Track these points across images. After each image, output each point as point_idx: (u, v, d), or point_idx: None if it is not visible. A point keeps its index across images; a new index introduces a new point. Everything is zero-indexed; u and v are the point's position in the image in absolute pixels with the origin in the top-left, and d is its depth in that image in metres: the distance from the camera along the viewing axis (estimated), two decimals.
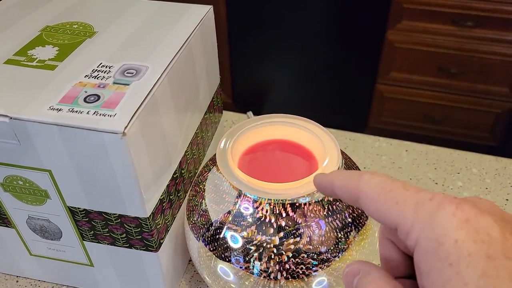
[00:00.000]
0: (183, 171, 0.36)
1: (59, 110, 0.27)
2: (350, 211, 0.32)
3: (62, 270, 0.38)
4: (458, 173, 0.50)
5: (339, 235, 0.31)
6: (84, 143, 0.27)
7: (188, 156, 0.37)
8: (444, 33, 1.31)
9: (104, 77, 0.29)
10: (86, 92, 0.28)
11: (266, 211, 0.30)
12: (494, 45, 1.28)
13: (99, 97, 0.28)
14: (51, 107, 0.27)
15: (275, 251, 0.30)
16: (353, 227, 0.32)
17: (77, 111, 0.27)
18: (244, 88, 1.59)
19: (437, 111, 1.47)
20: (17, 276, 0.40)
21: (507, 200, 0.47)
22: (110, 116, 0.26)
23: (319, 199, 0.30)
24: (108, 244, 0.33)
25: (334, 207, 0.31)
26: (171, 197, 0.34)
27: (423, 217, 0.16)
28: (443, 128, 1.47)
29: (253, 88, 1.61)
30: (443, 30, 1.30)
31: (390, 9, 1.31)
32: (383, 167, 0.51)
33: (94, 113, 0.26)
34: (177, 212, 0.36)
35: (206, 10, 0.38)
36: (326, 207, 0.31)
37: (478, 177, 0.49)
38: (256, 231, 0.30)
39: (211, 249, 0.33)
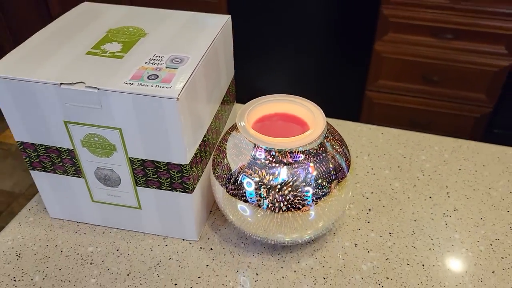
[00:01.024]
0: (209, 137, 0.48)
1: (132, 84, 0.39)
2: (334, 162, 0.44)
3: (116, 214, 0.49)
4: (423, 149, 0.62)
5: (324, 182, 0.43)
6: (149, 107, 0.39)
7: (212, 127, 0.49)
8: (426, 44, 1.44)
9: (158, 63, 0.42)
10: (148, 73, 0.40)
11: (273, 158, 0.42)
12: (471, 56, 1.42)
13: (157, 76, 0.40)
14: (126, 82, 0.39)
15: (278, 189, 0.42)
16: (334, 177, 0.44)
17: (144, 84, 0.39)
18: (241, 88, 1.72)
19: (422, 116, 1.60)
20: (78, 222, 0.52)
21: (459, 169, 0.59)
22: (167, 88, 0.39)
23: (310, 149, 0.43)
24: (155, 188, 0.45)
25: (320, 157, 0.43)
26: (201, 154, 0.46)
27: None
28: (427, 131, 1.60)
29: (250, 89, 1.74)
30: (426, 41, 1.44)
31: (377, 22, 1.45)
32: (362, 145, 0.63)
33: (156, 86, 0.39)
34: (205, 167, 0.48)
35: (226, 19, 0.50)
36: (315, 156, 0.43)
37: (438, 152, 0.62)
38: (265, 173, 0.42)
39: (231, 192, 0.45)
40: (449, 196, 0.55)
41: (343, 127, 0.66)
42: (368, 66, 1.55)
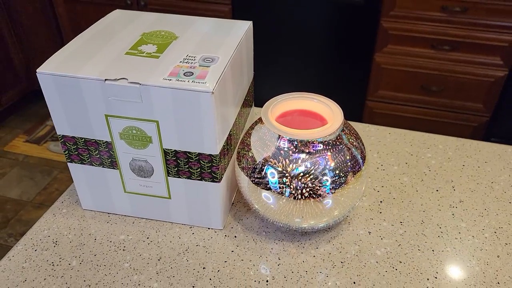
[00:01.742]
0: (234, 132, 0.52)
1: (170, 80, 0.43)
2: (350, 154, 0.48)
3: (146, 204, 0.53)
4: (428, 148, 0.66)
5: (341, 172, 0.47)
6: (186, 100, 0.43)
7: (236, 122, 0.53)
8: (424, 55, 1.50)
9: (192, 62, 0.46)
10: (183, 70, 0.45)
11: (295, 148, 0.46)
12: (468, 66, 1.48)
13: (192, 73, 0.44)
14: (164, 78, 0.43)
15: (300, 177, 0.46)
16: (350, 169, 0.48)
17: (181, 80, 0.43)
18: None
19: (421, 125, 1.65)
20: (108, 213, 0.55)
21: (463, 166, 0.63)
22: (202, 83, 0.43)
23: (329, 140, 0.47)
24: (186, 178, 0.49)
25: (338, 148, 0.47)
26: (228, 147, 0.50)
27: None
28: None
29: (257, 97, 1.79)
30: (424, 53, 1.50)
31: (377, 34, 1.51)
32: (371, 144, 0.67)
33: (192, 81, 0.43)
34: (230, 160, 0.52)
35: (248, 24, 0.55)
36: (332, 146, 0.47)
37: (442, 150, 0.66)
38: (288, 162, 0.46)
39: (256, 181, 0.48)
40: (454, 189, 0.59)
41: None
42: (368, 77, 1.60)
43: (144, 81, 0.43)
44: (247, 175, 0.49)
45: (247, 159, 0.49)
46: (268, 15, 1.59)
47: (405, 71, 1.55)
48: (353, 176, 0.48)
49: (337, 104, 0.50)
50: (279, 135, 0.46)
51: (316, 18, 1.55)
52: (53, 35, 1.94)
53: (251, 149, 0.49)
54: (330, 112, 0.49)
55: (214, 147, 0.46)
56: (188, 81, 0.43)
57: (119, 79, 0.43)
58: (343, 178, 0.47)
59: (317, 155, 0.46)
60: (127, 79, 0.43)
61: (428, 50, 1.49)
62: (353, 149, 0.49)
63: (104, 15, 1.76)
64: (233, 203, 0.57)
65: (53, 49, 1.90)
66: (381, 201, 0.57)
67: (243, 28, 0.54)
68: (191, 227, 0.53)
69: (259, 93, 1.78)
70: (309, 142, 0.46)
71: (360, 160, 0.49)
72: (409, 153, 0.65)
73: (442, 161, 0.64)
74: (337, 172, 0.47)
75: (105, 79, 0.43)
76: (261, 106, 0.53)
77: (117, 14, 0.57)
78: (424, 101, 1.59)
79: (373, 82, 1.60)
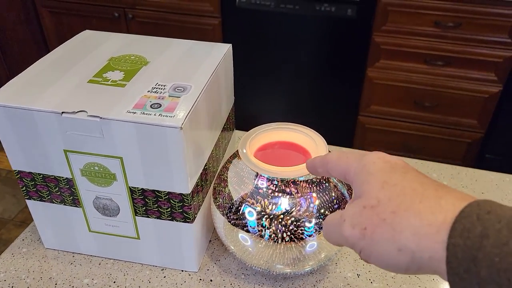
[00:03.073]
0: (210, 165, 0.47)
1: (134, 113, 0.39)
2: (336, 191, 0.44)
3: (113, 244, 0.48)
4: None
5: (326, 211, 0.43)
6: (151, 136, 0.38)
7: (213, 155, 0.48)
8: (417, 71, 1.47)
9: (161, 92, 0.42)
10: (150, 101, 0.40)
11: (275, 187, 0.42)
12: (462, 82, 1.45)
13: (160, 105, 0.40)
14: (128, 111, 0.39)
15: (281, 218, 0.42)
16: (337, 206, 0.44)
17: (147, 113, 0.39)
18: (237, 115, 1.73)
19: (414, 141, 1.61)
20: (73, 253, 0.51)
21: None
22: (170, 117, 0.38)
23: (312, 179, 0.42)
24: (155, 218, 0.44)
25: (323, 186, 0.43)
26: (202, 183, 0.45)
27: (357, 159, 0.29)
28: (420, 156, 1.61)
29: (244, 116, 1.75)
30: (417, 68, 1.47)
31: (369, 49, 1.47)
32: None
33: (159, 115, 0.38)
34: (205, 196, 0.47)
35: (227, 48, 0.51)
36: (317, 185, 0.42)
37: (436, 179, 0.62)
38: (267, 203, 0.42)
39: (233, 222, 0.44)
40: None
41: None
42: (360, 92, 1.57)
43: (105, 115, 0.38)
44: (223, 214, 0.45)
45: (224, 197, 0.45)
46: (258, 29, 1.56)
47: (398, 86, 1.51)
48: None
49: (320, 136, 0.46)
50: (257, 173, 0.42)
51: (307, 32, 1.52)
52: (39, 48, 1.90)
53: (227, 186, 0.45)
54: (314, 145, 0.45)
55: (185, 186, 0.41)
56: (155, 114, 0.38)
57: (77, 112, 0.39)
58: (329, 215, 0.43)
59: (300, 195, 0.42)
60: (86, 111, 0.39)
61: (421, 65, 1.46)
62: (339, 185, 0.45)
63: (90, 27, 1.71)
64: (210, 240, 0.52)
65: None
66: None
67: (222, 51, 0.50)
68: (163, 269, 0.49)
69: (248, 110, 1.74)
70: (290, 181, 0.42)
71: (347, 196, 0.45)
72: None
73: None
74: (322, 211, 0.43)
75: (62, 112, 0.39)
76: (249, 127, 0.48)
77: (85, 35, 0.53)
78: (417, 116, 1.56)
79: (366, 97, 1.57)
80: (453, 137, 1.56)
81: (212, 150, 0.48)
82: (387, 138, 1.63)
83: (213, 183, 0.49)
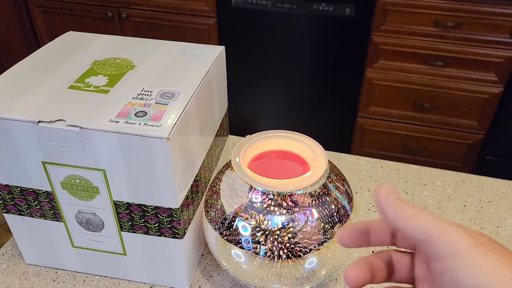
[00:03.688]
0: (201, 176, 0.44)
1: (117, 122, 0.36)
2: (337, 204, 0.41)
3: (98, 260, 0.45)
4: (425, 184, 0.59)
5: (326, 225, 0.40)
6: (136, 147, 0.35)
7: (205, 164, 0.45)
8: (417, 71, 1.44)
9: (147, 98, 0.39)
10: (135, 109, 0.37)
11: (271, 201, 0.39)
12: (462, 83, 1.42)
13: (146, 113, 0.37)
14: (111, 120, 0.36)
15: (277, 234, 0.39)
16: (337, 220, 0.41)
17: (131, 122, 0.35)
18: (231, 119, 1.70)
19: (413, 142, 1.59)
20: (56, 269, 0.47)
21: (464, 206, 0.56)
22: (157, 126, 0.35)
23: (310, 192, 0.39)
24: (142, 233, 0.41)
25: (322, 199, 0.40)
26: (193, 195, 0.42)
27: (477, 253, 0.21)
28: (419, 158, 1.58)
29: (241, 118, 1.72)
30: (416, 69, 1.44)
31: (368, 49, 1.44)
32: (362, 180, 0.60)
33: (144, 124, 0.35)
34: (196, 209, 0.44)
35: (220, 50, 0.48)
36: (316, 198, 0.39)
37: (441, 188, 0.59)
38: (262, 218, 0.39)
39: (226, 237, 0.41)
40: None
41: (341, 160, 0.63)
42: (359, 93, 1.54)
43: (85, 124, 0.35)
44: (215, 229, 0.42)
45: (216, 210, 0.42)
46: (255, 29, 1.53)
47: (397, 87, 1.49)
48: (341, 226, 0.41)
49: (319, 145, 0.43)
50: (252, 186, 0.39)
51: (305, 32, 1.49)
52: (31, 48, 1.86)
53: (220, 198, 0.42)
54: (312, 154, 0.42)
55: (173, 200, 0.38)
56: (140, 124, 0.35)
57: (55, 121, 0.36)
58: (329, 233, 0.40)
59: (297, 209, 0.39)
60: (65, 120, 0.36)
61: (421, 66, 1.43)
62: (340, 197, 0.42)
63: (83, 27, 1.67)
64: (203, 255, 0.49)
65: None
66: (373, 251, 0.50)
67: (214, 54, 0.47)
68: (151, 287, 0.46)
69: (245, 112, 1.71)
70: (287, 194, 0.39)
71: (348, 208, 0.42)
72: (404, 191, 0.58)
73: (440, 201, 0.57)
74: (321, 226, 0.40)
75: (39, 121, 0.36)
76: (245, 130, 0.45)
77: (69, 37, 0.50)
78: (417, 118, 1.53)
79: (364, 98, 1.54)
80: (453, 138, 1.54)
81: (204, 160, 0.45)
82: (386, 139, 1.61)
83: (204, 194, 0.46)
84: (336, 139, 1.64)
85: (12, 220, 0.44)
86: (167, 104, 0.38)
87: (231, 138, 0.67)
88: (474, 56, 1.36)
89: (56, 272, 0.47)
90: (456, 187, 0.59)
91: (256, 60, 1.59)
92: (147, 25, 1.62)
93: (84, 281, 0.46)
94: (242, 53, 1.58)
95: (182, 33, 1.59)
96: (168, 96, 0.39)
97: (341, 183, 0.43)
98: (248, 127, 1.81)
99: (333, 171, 0.44)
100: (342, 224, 0.41)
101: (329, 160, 0.44)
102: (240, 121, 1.81)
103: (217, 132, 0.49)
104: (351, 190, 0.44)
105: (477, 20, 1.31)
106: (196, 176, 0.43)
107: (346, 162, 0.63)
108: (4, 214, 0.44)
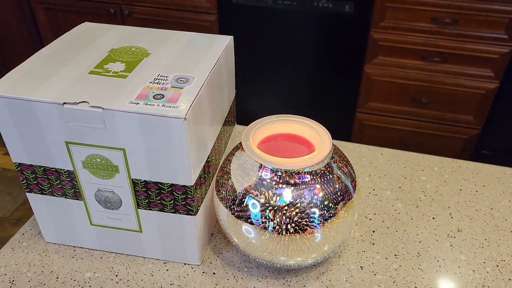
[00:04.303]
0: (212, 158, 0.47)
1: (137, 103, 0.38)
2: (340, 183, 0.44)
3: (114, 237, 0.48)
4: (423, 170, 0.62)
5: (330, 203, 0.42)
6: (155, 127, 0.38)
7: (215, 147, 0.48)
8: (415, 67, 1.47)
9: (163, 83, 0.41)
10: (153, 92, 0.40)
11: (279, 178, 0.41)
12: (459, 78, 1.45)
13: (163, 96, 0.39)
14: (131, 102, 0.38)
15: (285, 210, 0.41)
16: (340, 198, 0.44)
17: (150, 104, 0.38)
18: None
19: (411, 137, 1.62)
20: (74, 247, 0.50)
21: (460, 190, 0.59)
22: (174, 107, 0.38)
23: (316, 170, 0.42)
24: (158, 210, 0.44)
25: (327, 177, 0.43)
26: (205, 175, 0.45)
27: None
28: (417, 152, 1.61)
29: (242, 111, 1.74)
30: (414, 64, 1.47)
31: (367, 45, 1.47)
32: (363, 166, 0.63)
33: (162, 105, 0.38)
34: (208, 189, 0.47)
35: (229, 39, 0.50)
36: (321, 177, 0.42)
37: (438, 173, 0.62)
38: (271, 194, 0.42)
39: (236, 214, 0.43)
40: (452, 217, 0.55)
41: (342, 148, 0.66)
42: (358, 89, 1.57)
43: (108, 105, 0.38)
44: (226, 207, 0.44)
45: (227, 189, 0.44)
46: (255, 26, 1.56)
47: (395, 82, 1.51)
48: (344, 207, 0.44)
49: (324, 128, 0.46)
50: (261, 164, 0.42)
51: (305, 28, 1.51)
52: (34, 44, 1.88)
53: (231, 178, 0.45)
54: (318, 137, 0.45)
55: (188, 178, 0.41)
56: (158, 105, 0.38)
57: (79, 102, 0.38)
58: (333, 209, 0.43)
59: (304, 186, 0.42)
60: (88, 102, 0.38)
61: (419, 62, 1.46)
62: (343, 177, 0.45)
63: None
64: (212, 234, 0.52)
65: None
66: (373, 231, 0.53)
67: (223, 43, 0.49)
68: (165, 263, 0.48)
69: (245, 107, 1.74)
70: (294, 172, 0.41)
71: (351, 189, 0.45)
72: (403, 176, 0.61)
73: (437, 185, 0.60)
74: (326, 203, 0.42)
75: (64, 103, 0.38)
76: (246, 123, 0.48)
77: (85, 27, 0.52)
78: (414, 113, 1.56)
79: (363, 93, 1.57)
80: (449, 133, 1.57)
81: (215, 143, 0.48)
82: (384, 134, 1.64)
83: (215, 176, 0.48)
84: (335, 133, 1.65)
85: (34, 199, 0.46)
86: (182, 88, 0.40)
87: (236, 128, 0.70)
88: (470, 52, 1.39)
89: (74, 250, 0.50)
90: (452, 172, 0.62)
91: (256, 56, 1.61)
92: (149, 21, 1.65)
93: (101, 258, 0.49)
94: (242, 49, 1.60)
95: (184, 30, 1.62)
96: (183, 81, 0.42)
97: (344, 164, 0.46)
98: (247, 121, 1.83)
99: (337, 153, 0.46)
100: (346, 203, 0.44)
101: (333, 143, 0.46)
102: (240, 115, 1.83)
103: (226, 118, 0.52)
104: (354, 172, 0.47)
105: (473, 16, 1.34)
106: (208, 158, 0.45)
107: (348, 149, 0.66)
108: (27, 194, 0.46)
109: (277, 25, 1.53)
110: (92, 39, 0.49)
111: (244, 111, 1.70)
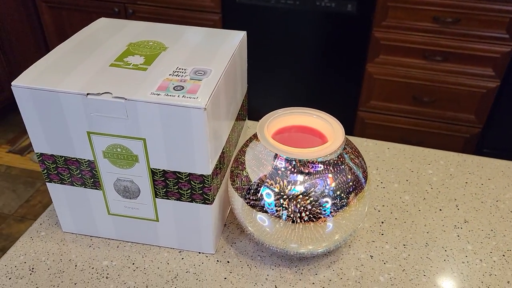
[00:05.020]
0: (227, 149, 0.48)
1: (158, 94, 0.40)
2: (351, 174, 0.45)
3: (131, 227, 0.49)
4: (429, 164, 0.64)
5: (342, 193, 0.44)
6: (175, 117, 0.39)
7: (230, 139, 0.49)
8: (416, 66, 1.49)
9: (182, 75, 0.43)
10: (173, 84, 0.41)
11: (293, 168, 0.43)
12: (460, 77, 1.47)
13: (183, 87, 0.41)
14: (152, 93, 0.40)
15: (299, 199, 0.43)
16: (352, 189, 0.45)
17: (171, 95, 0.39)
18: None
19: (412, 136, 1.63)
20: (91, 236, 0.51)
21: (466, 183, 0.60)
22: (194, 98, 0.39)
23: (329, 160, 0.43)
24: (175, 199, 0.45)
25: (339, 168, 0.44)
26: (220, 166, 0.46)
27: None
28: None
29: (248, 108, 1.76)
30: (416, 63, 1.48)
31: (369, 44, 1.49)
32: (370, 159, 0.64)
33: (183, 96, 0.39)
34: (222, 179, 0.48)
35: (243, 34, 0.52)
36: (333, 167, 0.44)
37: (444, 167, 0.63)
38: (286, 183, 0.43)
39: (251, 203, 0.45)
40: (458, 209, 0.56)
41: None
42: (360, 87, 1.58)
43: (130, 96, 0.39)
44: (241, 196, 0.46)
45: (242, 179, 0.46)
46: (259, 25, 1.57)
47: (397, 81, 1.53)
48: (355, 197, 0.45)
49: (337, 121, 0.47)
50: (276, 154, 0.43)
51: (307, 27, 1.53)
52: (38, 43, 1.89)
53: (245, 168, 0.46)
54: (331, 129, 0.46)
55: (206, 167, 0.42)
56: (178, 96, 0.39)
57: (102, 93, 0.40)
58: (345, 199, 0.44)
59: (317, 175, 0.43)
60: (111, 93, 0.40)
61: (420, 61, 1.48)
62: (355, 168, 0.46)
63: (91, 22, 1.71)
64: (225, 224, 0.53)
65: (37, 57, 1.85)
66: (382, 222, 0.54)
67: (237, 38, 0.51)
68: (180, 252, 0.50)
69: (248, 104, 1.75)
70: (308, 161, 0.43)
71: (362, 180, 0.46)
72: (410, 170, 0.62)
73: (444, 178, 0.61)
74: (338, 193, 0.44)
75: (87, 94, 0.40)
76: (253, 119, 0.49)
77: (102, 23, 0.54)
78: (416, 112, 1.58)
79: (365, 92, 1.59)
80: (451, 132, 1.58)
81: (229, 135, 0.49)
82: (386, 133, 1.65)
83: (229, 167, 0.50)
84: None
85: (54, 189, 0.48)
86: (201, 80, 0.42)
87: (249, 123, 0.71)
88: (472, 52, 1.41)
89: (91, 239, 0.51)
90: (458, 166, 0.63)
91: (259, 55, 1.63)
92: (153, 20, 1.66)
93: (118, 247, 0.50)
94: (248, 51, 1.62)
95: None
96: (201, 73, 0.43)
97: (356, 156, 0.47)
98: (250, 118, 1.84)
99: (349, 145, 0.48)
100: (357, 193, 0.45)
101: (346, 136, 0.48)
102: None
103: (239, 111, 0.53)
104: (365, 163, 0.48)
105: (475, 16, 1.35)
106: (223, 149, 0.47)
107: (355, 143, 0.67)
108: (47, 183, 0.47)
109: (280, 24, 1.54)
110: (110, 34, 0.50)
111: (252, 108, 1.71)
